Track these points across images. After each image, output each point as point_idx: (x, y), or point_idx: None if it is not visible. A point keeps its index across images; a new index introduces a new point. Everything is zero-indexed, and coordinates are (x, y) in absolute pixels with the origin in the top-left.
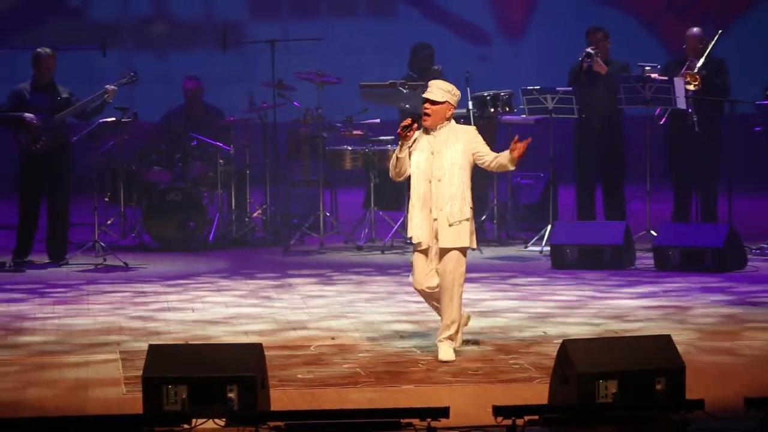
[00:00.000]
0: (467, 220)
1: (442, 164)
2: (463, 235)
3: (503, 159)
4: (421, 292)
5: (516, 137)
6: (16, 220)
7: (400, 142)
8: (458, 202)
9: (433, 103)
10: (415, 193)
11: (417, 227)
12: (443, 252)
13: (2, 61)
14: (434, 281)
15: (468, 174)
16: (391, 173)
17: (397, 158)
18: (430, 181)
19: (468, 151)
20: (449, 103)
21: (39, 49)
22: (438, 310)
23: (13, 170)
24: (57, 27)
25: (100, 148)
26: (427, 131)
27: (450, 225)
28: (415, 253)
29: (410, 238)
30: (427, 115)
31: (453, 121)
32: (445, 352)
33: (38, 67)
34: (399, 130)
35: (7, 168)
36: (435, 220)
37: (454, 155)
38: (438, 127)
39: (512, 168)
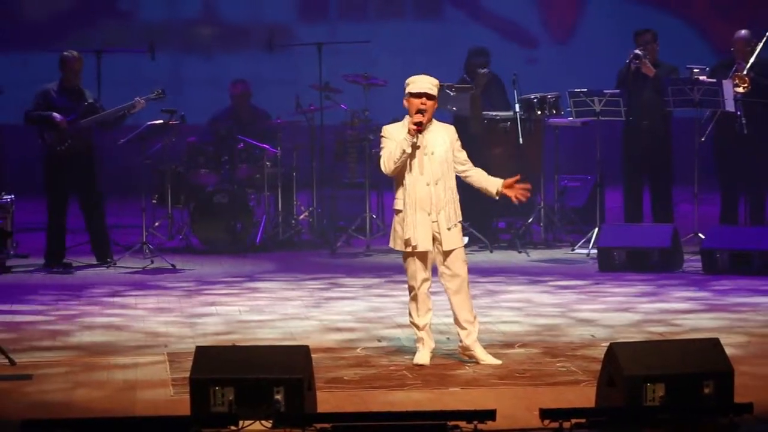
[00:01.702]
0: (460, 221)
1: (438, 166)
2: (460, 235)
3: (491, 186)
4: (420, 295)
5: (518, 177)
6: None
7: (408, 138)
8: (453, 205)
9: (429, 97)
10: (411, 195)
11: (414, 230)
12: (447, 254)
13: (53, 63)
14: (429, 284)
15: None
16: (388, 167)
17: (403, 153)
18: (428, 184)
19: (451, 150)
20: (436, 98)
21: (66, 52)
22: (422, 310)
23: (38, 171)
24: (106, 29)
25: (148, 150)
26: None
27: (448, 228)
28: (412, 257)
29: (406, 242)
30: (423, 112)
31: (434, 118)
32: (486, 354)
33: (65, 69)
34: (413, 125)
35: (34, 169)
36: (434, 222)
37: (446, 155)
38: (428, 125)
39: (495, 197)
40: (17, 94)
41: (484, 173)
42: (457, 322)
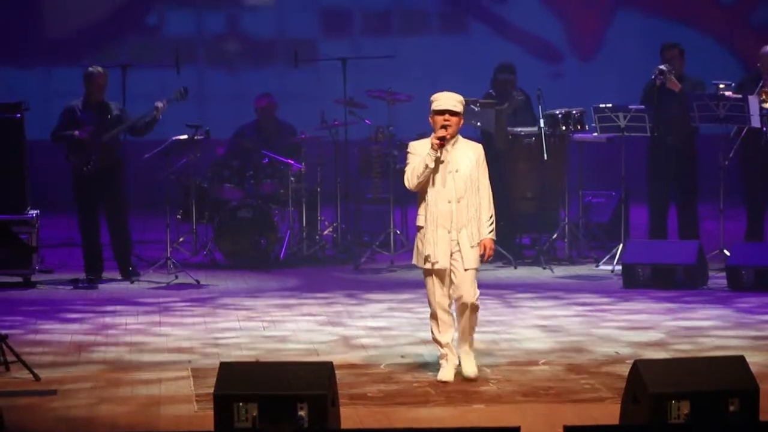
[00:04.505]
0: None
1: (461, 184)
2: (478, 255)
3: (480, 223)
4: (440, 313)
5: (487, 257)
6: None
7: (431, 153)
8: (476, 223)
9: (453, 114)
10: (432, 213)
11: (435, 247)
12: (462, 273)
13: (78, 78)
14: (448, 301)
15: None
16: (412, 183)
17: (426, 168)
18: (449, 202)
19: (477, 168)
20: (461, 115)
21: (90, 68)
22: (443, 327)
23: (63, 187)
24: (132, 44)
25: (173, 165)
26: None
27: (471, 246)
28: (431, 274)
29: (426, 259)
30: (446, 127)
31: (460, 135)
32: (471, 365)
33: (90, 85)
34: (436, 140)
35: (59, 185)
36: (453, 240)
37: (471, 173)
38: (452, 141)
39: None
40: (41, 109)
41: (485, 217)
42: (461, 335)
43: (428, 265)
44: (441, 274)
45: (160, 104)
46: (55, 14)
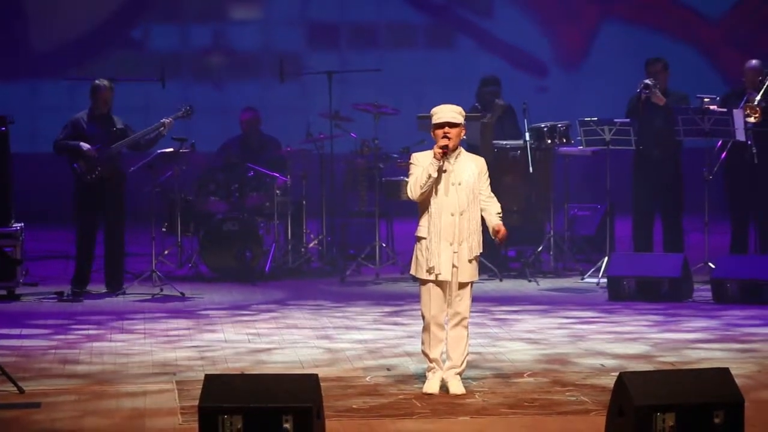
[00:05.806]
0: (480, 254)
1: (464, 196)
2: (476, 269)
3: (488, 221)
4: (433, 326)
5: (501, 237)
6: (74, 249)
7: (434, 162)
8: (477, 237)
9: (452, 125)
10: (436, 224)
11: (439, 259)
12: (458, 287)
13: (63, 92)
14: (444, 315)
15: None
16: (415, 192)
17: (429, 178)
18: (452, 214)
19: (479, 181)
20: (462, 125)
21: (97, 81)
22: (434, 342)
23: (67, 200)
24: (118, 58)
25: (158, 178)
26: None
27: (469, 260)
28: (429, 285)
29: (429, 270)
30: (448, 138)
31: (462, 148)
32: (458, 386)
33: (96, 98)
34: (439, 149)
35: (63, 197)
36: (455, 253)
37: (474, 186)
38: (455, 153)
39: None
40: (26, 123)
41: (494, 210)
42: (447, 351)
43: (432, 276)
44: (442, 287)
45: (167, 120)
46: (40, 28)
